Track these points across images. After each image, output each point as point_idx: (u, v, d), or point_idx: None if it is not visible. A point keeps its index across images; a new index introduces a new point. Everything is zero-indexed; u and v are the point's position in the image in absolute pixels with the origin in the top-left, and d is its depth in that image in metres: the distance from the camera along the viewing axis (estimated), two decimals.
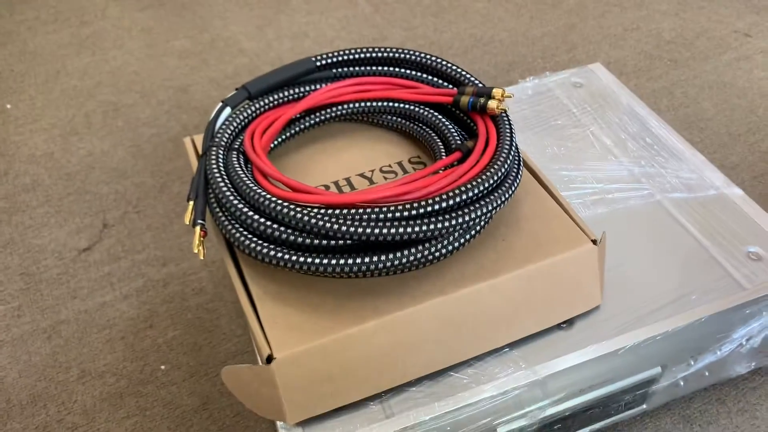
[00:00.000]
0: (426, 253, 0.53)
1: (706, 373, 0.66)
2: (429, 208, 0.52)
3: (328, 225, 0.50)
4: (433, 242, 0.53)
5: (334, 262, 0.51)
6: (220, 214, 0.55)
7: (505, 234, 0.58)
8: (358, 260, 0.51)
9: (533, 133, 0.78)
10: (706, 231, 0.66)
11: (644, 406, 0.67)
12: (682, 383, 0.66)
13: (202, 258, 0.55)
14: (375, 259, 0.51)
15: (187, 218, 0.56)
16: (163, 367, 0.76)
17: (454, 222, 0.52)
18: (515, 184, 0.57)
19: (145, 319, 0.81)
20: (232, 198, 0.54)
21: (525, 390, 0.56)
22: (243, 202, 0.55)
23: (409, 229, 0.51)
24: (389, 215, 0.51)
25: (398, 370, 0.54)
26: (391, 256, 0.52)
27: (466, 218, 0.52)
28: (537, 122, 0.79)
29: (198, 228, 0.55)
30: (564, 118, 0.80)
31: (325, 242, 0.51)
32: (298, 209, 0.51)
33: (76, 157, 1.04)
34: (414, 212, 0.51)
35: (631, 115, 0.80)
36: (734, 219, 0.68)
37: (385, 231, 0.50)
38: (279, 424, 0.54)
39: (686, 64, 1.16)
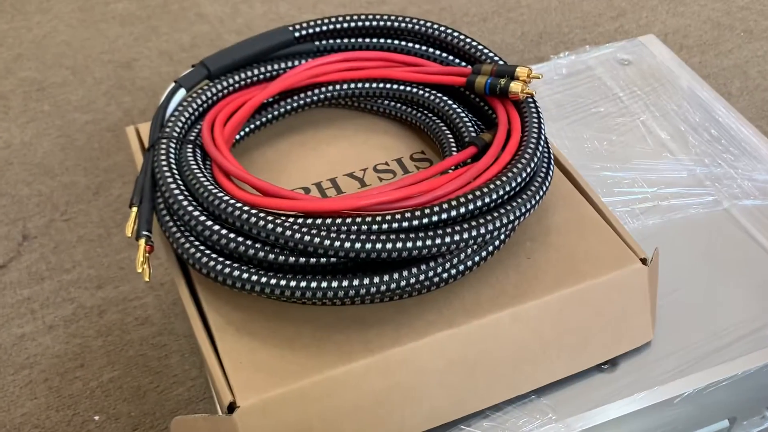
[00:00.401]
0: (431, 274, 0.53)
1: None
2: (435, 218, 0.53)
3: (306, 238, 0.51)
4: (440, 260, 0.54)
5: (314, 285, 0.52)
6: (171, 223, 0.56)
7: (531, 250, 0.59)
8: (345, 283, 0.52)
9: (568, 123, 0.79)
10: None
11: None
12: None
13: (147, 279, 0.56)
14: (366, 281, 0.52)
15: (129, 229, 0.57)
16: (96, 417, 0.77)
17: (466, 235, 0.53)
18: (544, 188, 0.58)
19: (74, 357, 0.82)
20: (185, 203, 0.55)
21: None
22: (199, 208, 0.55)
23: (409, 244, 0.51)
24: (384, 226, 0.52)
25: (394, 423, 0.55)
26: (386, 278, 0.52)
27: (482, 230, 0.53)
28: (573, 110, 0.81)
29: (143, 241, 0.56)
30: (608, 104, 0.81)
31: (303, 260, 0.52)
32: (269, 218, 0.52)
33: None
34: (416, 222, 0.52)
35: (692, 100, 0.81)
36: None
37: (379, 246, 0.51)
38: None
39: (764, 36, 1.18)
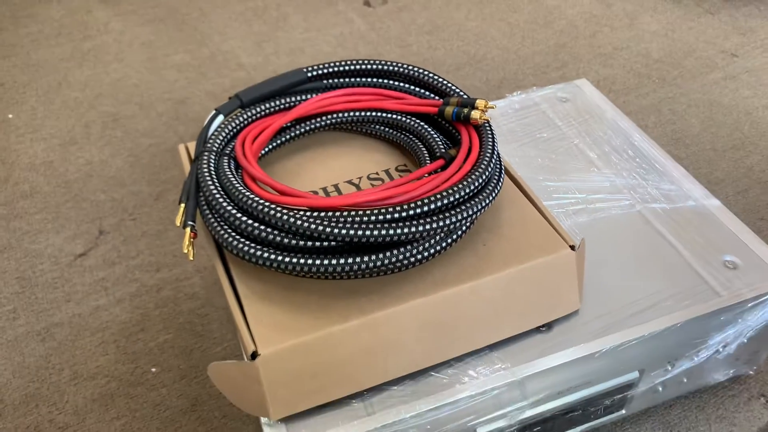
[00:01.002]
0: (408, 255, 0.54)
1: (684, 380, 0.68)
2: (411, 212, 0.54)
3: (312, 226, 0.52)
4: (416, 245, 0.55)
5: (318, 262, 0.53)
6: (210, 216, 0.57)
7: (486, 239, 0.60)
8: (342, 261, 0.53)
9: (519, 145, 0.80)
10: (685, 240, 0.68)
11: (623, 411, 0.68)
12: (660, 389, 0.67)
13: (191, 258, 0.57)
14: (358, 260, 0.53)
15: (178, 220, 0.58)
16: (154, 369, 0.78)
17: (435, 225, 0.54)
18: (496, 190, 0.59)
19: (137, 323, 0.82)
20: (221, 200, 0.56)
21: (504, 390, 0.57)
22: (232, 204, 0.56)
23: (391, 231, 0.52)
24: (372, 218, 0.53)
25: (380, 369, 0.56)
26: (374, 257, 0.53)
27: (448, 222, 0.54)
28: (523, 135, 0.82)
29: (188, 229, 0.57)
30: (549, 131, 0.82)
31: (310, 243, 0.53)
32: (285, 211, 0.53)
33: (74, 165, 1.06)
34: (397, 215, 0.53)
35: (615, 129, 0.82)
36: (712, 229, 0.69)
37: (368, 233, 0.52)
38: (263, 420, 0.55)
39: (674, 83, 1.19)
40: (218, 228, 0.56)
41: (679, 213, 0.71)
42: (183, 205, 0.58)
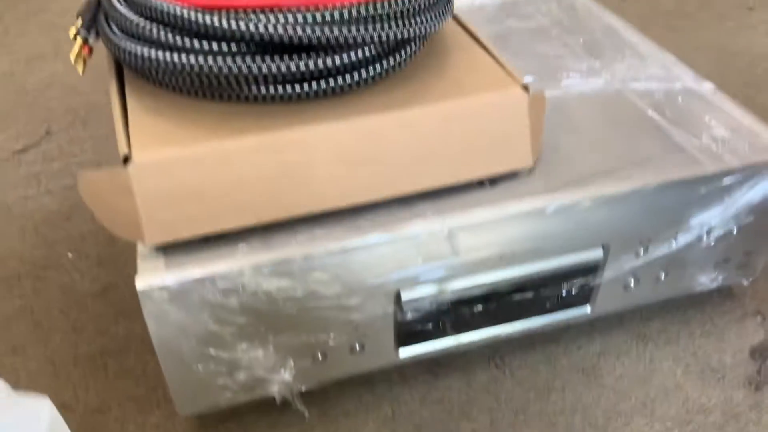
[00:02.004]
0: (329, 64, 0.46)
1: (662, 275, 0.58)
2: (337, 15, 0.46)
3: (225, 24, 0.44)
4: (341, 68, 0.47)
5: (212, 63, 0.45)
6: (105, 24, 0.50)
7: (426, 79, 0.52)
8: (248, 61, 0.45)
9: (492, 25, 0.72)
10: (667, 113, 0.59)
11: (587, 308, 0.58)
12: (632, 283, 0.57)
13: (81, 74, 0.50)
14: (270, 63, 0.45)
15: (72, 32, 0.51)
16: (70, 255, 0.70)
17: (366, 32, 0.46)
18: (442, 15, 0.51)
19: (64, 213, 0.75)
20: (115, 2, 0.49)
21: (430, 241, 0.48)
22: (133, 11, 0.49)
23: (316, 31, 0.44)
24: (290, 18, 0.45)
25: (282, 201, 0.47)
26: (291, 63, 0.45)
27: (381, 33, 0.46)
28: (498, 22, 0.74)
29: (80, 39, 0.50)
30: (533, 21, 0.74)
31: (206, 43, 0.46)
32: (178, 6, 0.46)
33: (37, 77, 1.01)
34: (321, 17, 0.45)
35: (599, 22, 0.74)
36: (700, 105, 0.60)
37: (287, 30, 0.44)
38: (138, 249, 0.47)
39: (683, 30, 1.10)
40: (108, 32, 0.49)
41: (664, 92, 0.62)
42: (81, 17, 0.52)
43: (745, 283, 0.62)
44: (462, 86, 0.51)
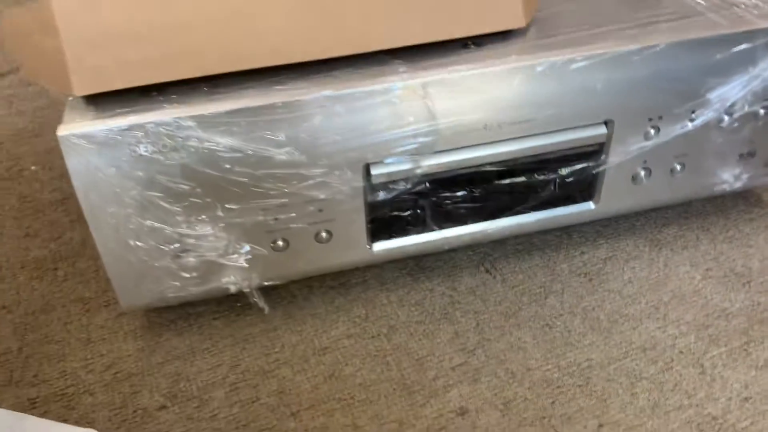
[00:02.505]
0: None
1: (678, 167, 0.50)
2: None
3: None
4: None
5: None
6: None
7: None
8: None
9: None
10: None
11: (591, 204, 0.51)
12: (642, 173, 0.50)
13: None
14: None
15: None
16: (33, 167, 0.65)
17: None
18: None
19: (32, 130, 0.71)
20: None
21: (402, 96, 0.42)
22: None
23: None
24: None
25: (233, 51, 0.41)
26: None
27: None
28: None
29: None
30: None
31: None
32: None
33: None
34: None
35: None
36: None
37: None
38: (68, 101, 0.41)
39: None
40: None
41: None
42: None
43: None
44: None
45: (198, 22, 0.41)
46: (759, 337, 0.46)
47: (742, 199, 0.57)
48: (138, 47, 0.40)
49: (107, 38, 0.40)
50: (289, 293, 0.51)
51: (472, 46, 0.46)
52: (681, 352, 0.45)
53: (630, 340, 0.46)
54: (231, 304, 0.50)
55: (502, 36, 0.46)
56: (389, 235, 0.48)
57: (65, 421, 0.43)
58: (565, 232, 0.55)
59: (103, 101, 0.41)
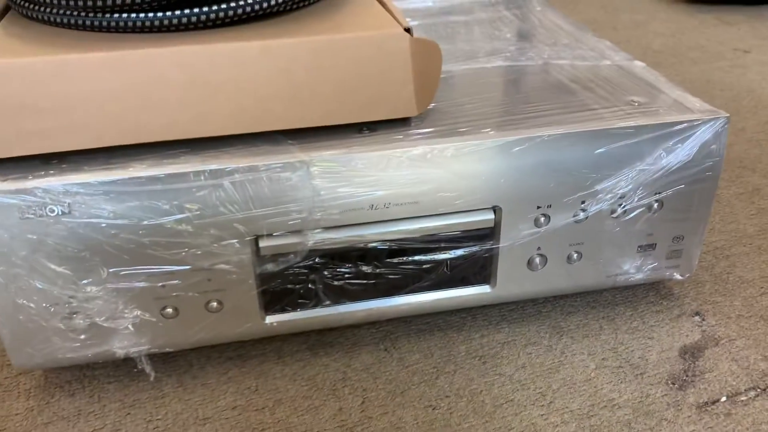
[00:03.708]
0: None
1: (574, 255, 0.51)
2: None
3: None
4: None
5: None
6: None
7: (303, 19, 0.49)
8: None
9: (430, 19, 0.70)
10: (585, 83, 0.55)
11: (487, 287, 0.52)
12: (537, 259, 0.51)
13: None
14: None
15: None
16: None
17: None
18: None
19: None
20: None
21: (290, 174, 0.44)
22: None
23: None
24: None
25: (129, 125, 0.44)
26: None
27: None
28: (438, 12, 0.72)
29: None
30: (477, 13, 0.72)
31: None
32: None
33: None
34: None
35: (550, 22, 0.71)
36: (625, 78, 0.56)
37: None
38: None
39: (671, 67, 1.06)
40: None
41: (588, 67, 0.58)
42: None
43: (679, 277, 0.55)
44: (341, 25, 0.48)
45: (96, 96, 0.43)
46: (641, 430, 0.45)
47: (653, 291, 0.58)
48: (38, 119, 0.43)
49: (8, 109, 0.43)
50: (186, 361, 0.51)
51: (366, 131, 0.48)
52: None
53: (510, 425, 0.46)
54: (127, 368, 0.51)
55: (398, 123, 0.49)
56: (282, 308, 0.49)
57: None
58: (470, 313, 0.55)
59: (2, 167, 0.44)
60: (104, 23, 0.46)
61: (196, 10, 0.46)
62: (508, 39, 0.65)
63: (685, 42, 1.16)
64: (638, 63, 0.58)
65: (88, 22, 0.46)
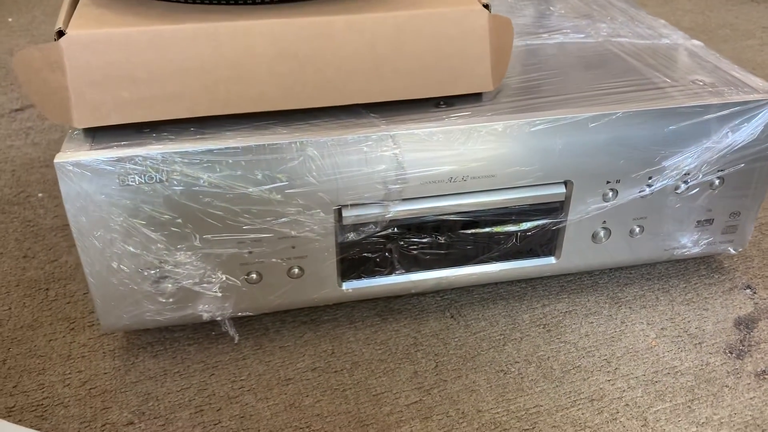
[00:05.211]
0: None
1: (637, 229, 0.53)
2: None
3: None
4: None
5: None
6: None
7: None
8: None
9: None
10: (648, 60, 0.56)
11: (552, 258, 0.54)
12: (602, 233, 0.53)
13: None
14: None
15: None
16: (40, 195, 0.69)
17: None
18: None
19: (44, 160, 0.75)
20: None
21: (374, 147, 0.45)
22: None
23: None
24: None
25: (220, 96, 0.46)
26: None
27: None
28: None
29: None
30: None
31: None
32: None
33: None
34: None
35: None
36: (685, 57, 0.57)
37: None
38: (69, 132, 0.45)
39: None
40: None
41: (647, 45, 0.59)
42: None
43: (732, 251, 0.57)
44: (422, 2, 0.49)
45: (189, 68, 0.45)
46: (703, 396, 0.47)
47: (704, 264, 0.60)
48: (134, 88, 0.44)
49: (107, 78, 0.44)
50: (261, 325, 0.53)
51: (444, 105, 0.49)
52: (627, 404, 0.47)
53: (579, 390, 0.48)
54: (206, 331, 0.53)
55: (473, 97, 0.50)
56: (359, 275, 0.51)
57: (38, 429, 0.45)
58: (530, 284, 0.57)
59: (100, 135, 0.45)
60: None
61: None
62: (564, 15, 0.66)
63: (714, 19, 1.17)
64: (696, 42, 0.60)
65: None
